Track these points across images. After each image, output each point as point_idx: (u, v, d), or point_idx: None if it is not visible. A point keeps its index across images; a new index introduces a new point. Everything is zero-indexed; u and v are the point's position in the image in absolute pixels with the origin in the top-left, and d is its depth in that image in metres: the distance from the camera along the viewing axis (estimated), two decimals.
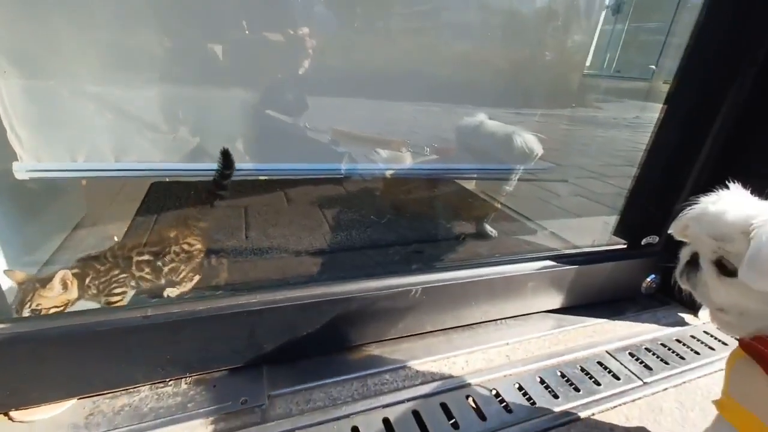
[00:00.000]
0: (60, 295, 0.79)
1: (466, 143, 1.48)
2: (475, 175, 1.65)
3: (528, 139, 1.35)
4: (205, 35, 1.08)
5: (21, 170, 0.98)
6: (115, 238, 1.37)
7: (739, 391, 0.65)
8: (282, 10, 1.19)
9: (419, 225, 1.72)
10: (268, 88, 1.34)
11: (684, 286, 0.68)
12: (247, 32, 1.11)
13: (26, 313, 0.74)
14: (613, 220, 1.38)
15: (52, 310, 0.77)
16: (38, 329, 0.70)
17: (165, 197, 1.81)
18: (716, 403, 0.69)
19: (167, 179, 1.90)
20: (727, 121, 1.09)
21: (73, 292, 0.81)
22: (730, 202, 0.60)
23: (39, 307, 0.75)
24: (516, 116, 1.95)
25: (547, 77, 1.62)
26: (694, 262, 0.66)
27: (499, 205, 1.71)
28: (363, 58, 1.30)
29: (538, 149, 1.37)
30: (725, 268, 0.60)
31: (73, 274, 0.82)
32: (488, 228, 1.66)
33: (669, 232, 0.73)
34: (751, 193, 0.65)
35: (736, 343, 0.67)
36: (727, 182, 0.66)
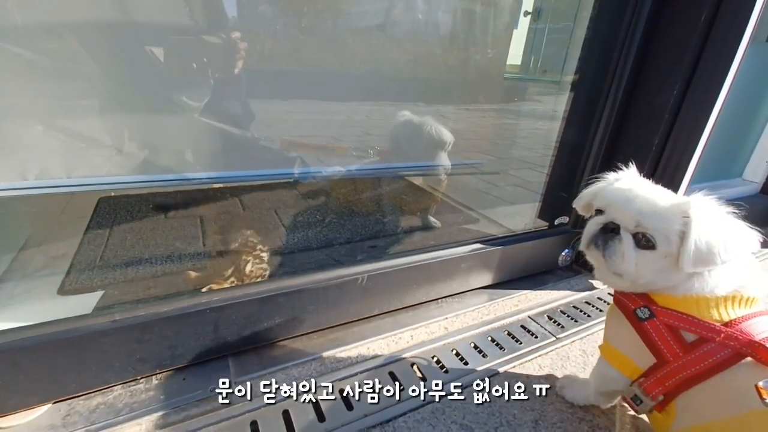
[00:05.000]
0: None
1: (397, 137, 1.64)
2: (412, 173, 1.82)
3: (438, 128, 1.54)
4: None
5: None
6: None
7: (611, 334, 0.84)
8: (219, 13, 1.23)
9: (368, 221, 1.85)
10: (213, 97, 1.39)
11: (591, 252, 0.77)
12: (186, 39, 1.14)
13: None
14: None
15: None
16: (10, 340, 0.76)
17: (114, 212, 1.81)
18: (599, 347, 0.89)
19: (113, 193, 1.91)
20: (609, 119, 1.31)
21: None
22: (641, 185, 0.74)
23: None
24: (465, 112, 2.16)
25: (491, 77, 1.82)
26: (607, 230, 0.73)
27: (440, 198, 1.89)
28: (306, 60, 1.38)
29: (449, 137, 1.56)
30: (640, 241, 0.69)
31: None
32: (432, 219, 1.83)
33: (573, 206, 0.88)
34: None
35: None
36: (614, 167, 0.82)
